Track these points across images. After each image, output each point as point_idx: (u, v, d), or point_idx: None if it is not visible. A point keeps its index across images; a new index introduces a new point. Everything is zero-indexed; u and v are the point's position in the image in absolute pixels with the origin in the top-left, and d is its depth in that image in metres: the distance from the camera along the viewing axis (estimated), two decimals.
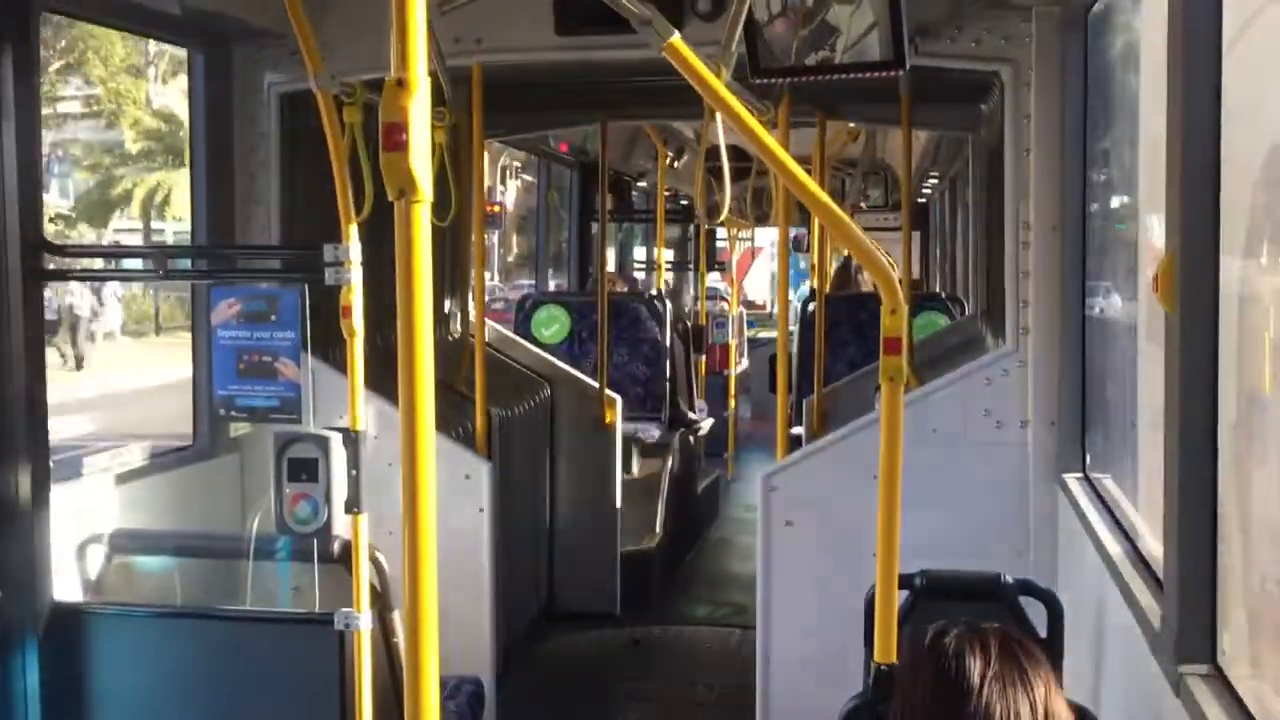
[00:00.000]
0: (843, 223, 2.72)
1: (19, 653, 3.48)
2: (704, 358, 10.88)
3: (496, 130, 6.55)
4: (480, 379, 5.05)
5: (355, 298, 3.30)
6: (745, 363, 12.25)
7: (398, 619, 3.59)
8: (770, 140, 2.54)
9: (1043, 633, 3.07)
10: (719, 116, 3.31)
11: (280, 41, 4.56)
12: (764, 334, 11.66)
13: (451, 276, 6.05)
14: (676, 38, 2.27)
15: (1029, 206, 4.30)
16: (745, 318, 12.68)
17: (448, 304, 6.11)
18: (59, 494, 3.67)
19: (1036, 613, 3.13)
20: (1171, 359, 2.38)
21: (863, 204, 11.96)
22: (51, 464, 3.64)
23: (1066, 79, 4.17)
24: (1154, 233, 3.16)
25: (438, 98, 4.69)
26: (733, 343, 11.25)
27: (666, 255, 14.39)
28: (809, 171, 6.77)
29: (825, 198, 2.51)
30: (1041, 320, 4.29)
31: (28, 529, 3.51)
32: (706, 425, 9.71)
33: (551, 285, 11.35)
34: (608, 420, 6.73)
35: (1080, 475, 4.15)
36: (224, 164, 4.70)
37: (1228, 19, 2.25)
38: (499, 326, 6.93)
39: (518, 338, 7.03)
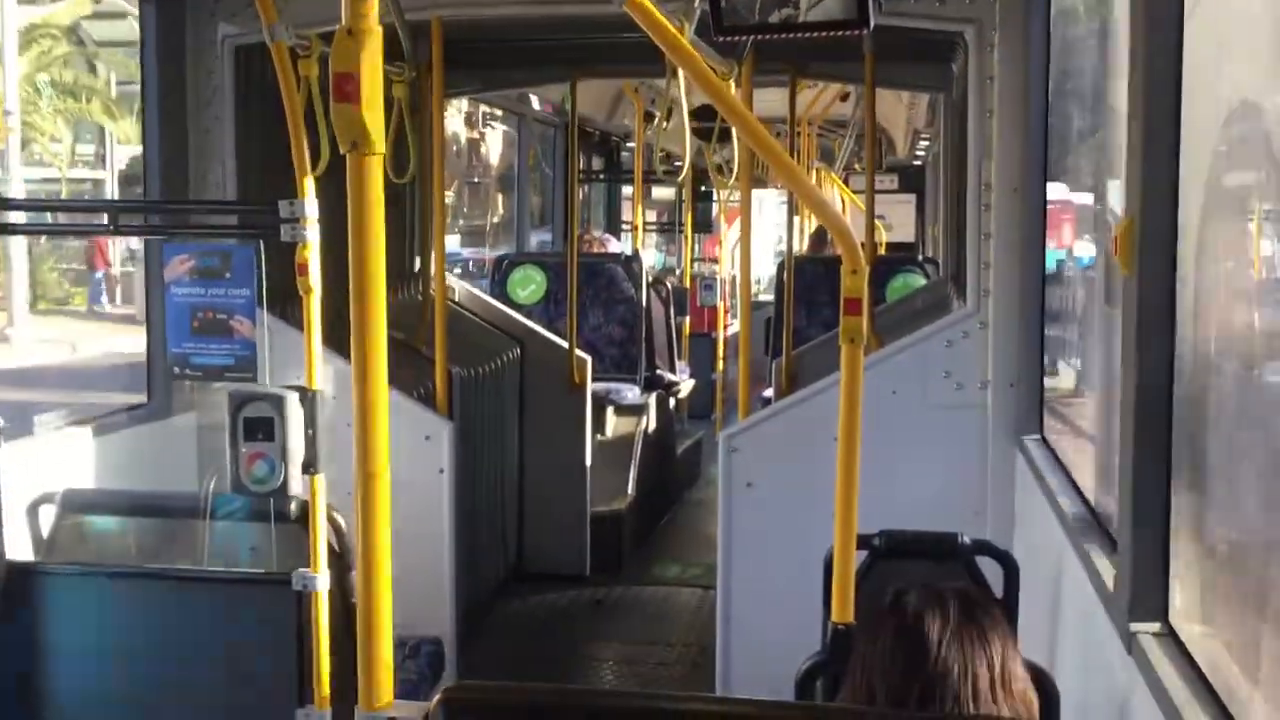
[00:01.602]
0: (804, 183, 2.71)
1: None
2: (688, 319, 10.81)
3: (461, 87, 6.46)
4: (440, 337, 5.01)
5: (311, 254, 3.26)
6: (736, 324, 12.18)
7: (355, 579, 3.57)
8: (733, 98, 2.51)
9: (999, 593, 3.10)
10: (681, 74, 3.29)
11: None
12: (763, 297, 11.56)
13: (420, 235, 5.98)
14: None
15: (991, 168, 4.30)
16: (735, 281, 12.60)
17: (416, 263, 6.04)
18: (9, 452, 3.60)
19: (993, 573, 3.16)
20: (1129, 321, 2.39)
21: (856, 166, 11.88)
22: (1, 422, 3.58)
23: (1030, 41, 4.16)
24: (1114, 197, 3.17)
25: (395, 52, 4.61)
26: (721, 305, 11.19)
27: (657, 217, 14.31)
28: (784, 133, 6.76)
29: (787, 158, 2.49)
30: (1002, 282, 4.31)
31: None
32: (687, 387, 9.69)
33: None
34: (578, 380, 6.71)
35: (1038, 437, 4.18)
36: (177, 118, 4.61)
37: None
38: (470, 287, 6.87)
39: (489, 298, 6.98)
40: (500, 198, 31.94)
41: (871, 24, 3.21)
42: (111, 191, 29.29)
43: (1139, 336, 2.34)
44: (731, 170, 10.14)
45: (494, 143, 31.41)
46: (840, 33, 3.28)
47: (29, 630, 3.45)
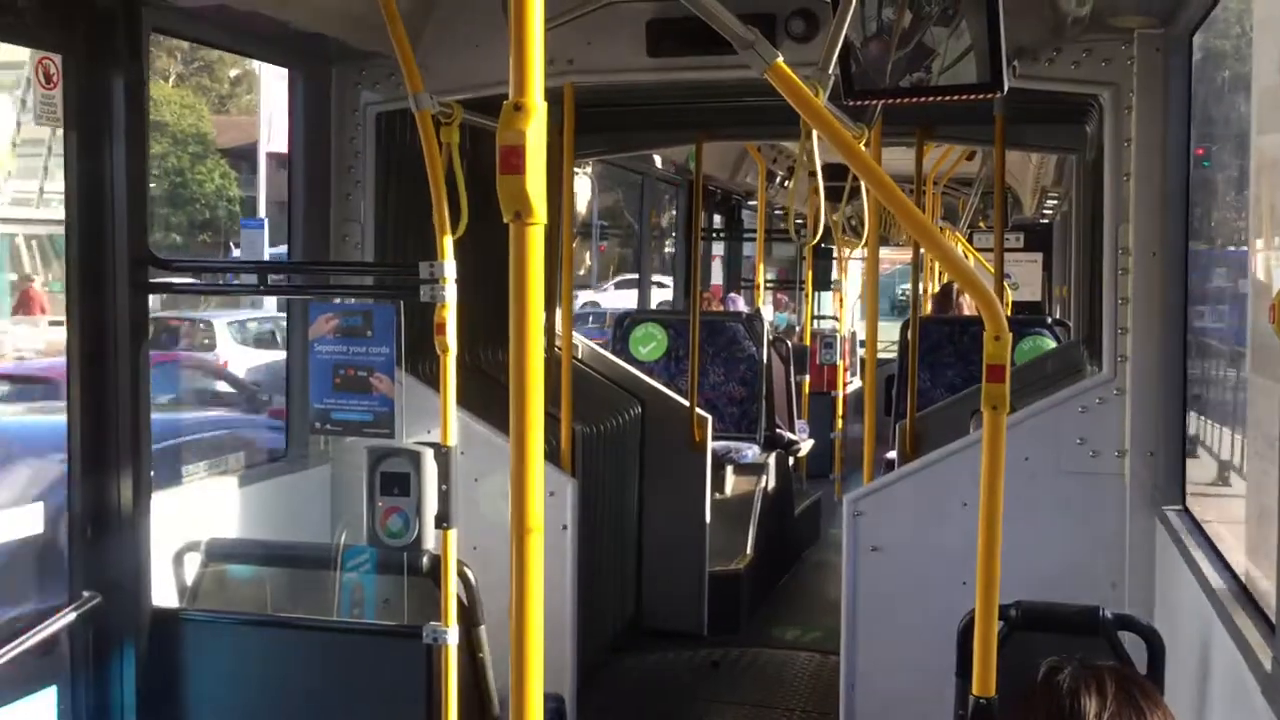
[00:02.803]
0: (939, 242, 2.69)
1: (118, 657, 3.57)
2: (807, 378, 10.75)
3: (589, 149, 6.59)
4: (566, 395, 5.07)
5: (449, 314, 3.34)
6: (856, 382, 12.05)
7: (483, 633, 3.61)
8: (868, 158, 2.52)
9: (1142, 670, 2.99)
10: (815, 136, 3.30)
11: (378, 62, 4.65)
12: (884, 355, 11.47)
13: (548, 293, 6.09)
14: (780, 60, 2.26)
15: (1129, 231, 4.21)
16: (856, 338, 12.51)
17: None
18: (158, 501, 3.76)
19: (1134, 649, 3.05)
20: None
21: (981, 224, 11.73)
22: (152, 472, 3.74)
23: (1169, 102, 4.09)
24: (1262, 261, 3.08)
25: None
26: (841, 363, 11.10)
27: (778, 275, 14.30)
28: (910, 191, 6.73)
29: (921, 216, 2.48)
30: (1140, 348, 4.20)
31: (129, 535, 3.60)
32: (807, 446, 9.60)
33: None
34: (698, 439, 6.71)
35: (1180, 508, 4.04)
36: (321, 182, 4.80)
37: None
38: (593, 344, 6.94)
39: (612, 355, 7.04)
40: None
41: (1005, 88, 3.20)
42: None
43: None
44: (855, 229, 10.09)
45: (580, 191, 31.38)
46: (972, 97, 3.27)
47: (172, 674, 3.57)
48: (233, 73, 35.01)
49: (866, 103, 3.80)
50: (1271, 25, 2.79)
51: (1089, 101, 4.60)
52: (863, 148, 4.25)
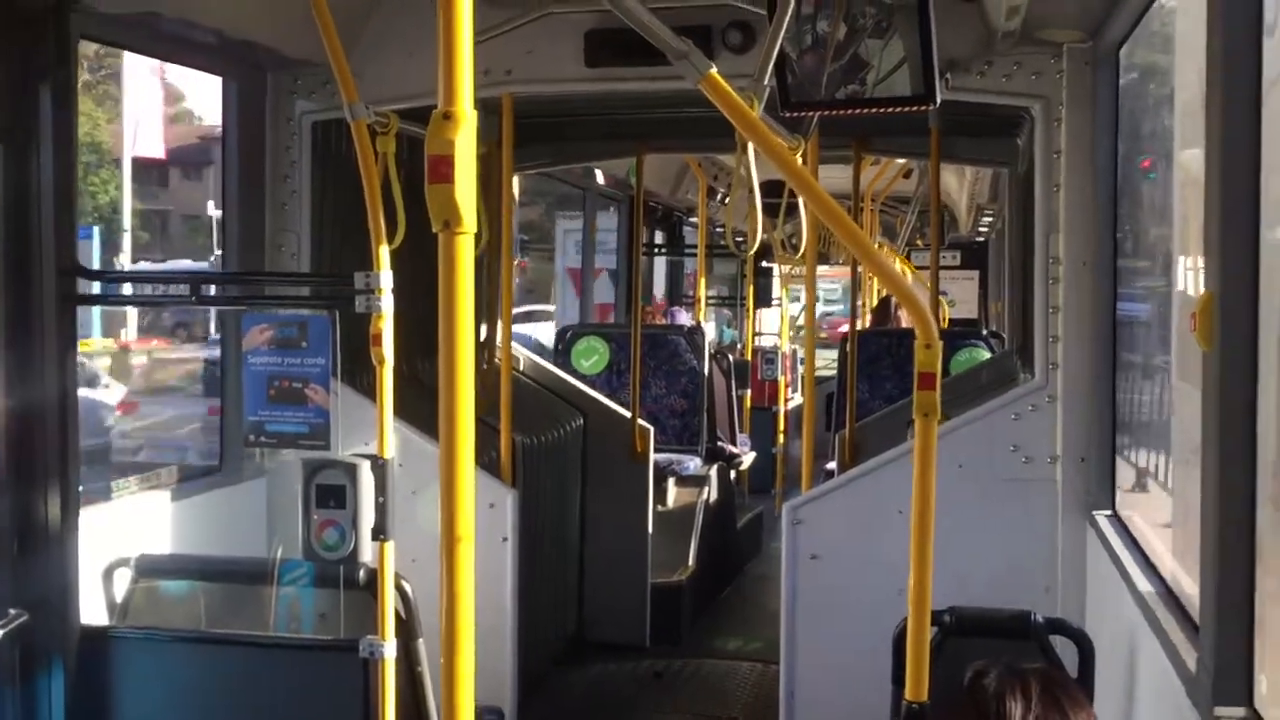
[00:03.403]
0: (875, 256, 2.72)
1: (46, 676, 3.49)
2: (748, 392, 10.79)
3: (529, 161, 6.58)
4: (505, 406, 5.05)
5: (386, 325, 3.32)
6: (797, 398, 12.11)
7: (422, 647, 3.58)
8: (804, 172, 2.55)
9: (1073, 672, 3.04)
10: (750, 149, 3.33)
11: (313, 70, 4.61)
12: (825, 372, 11.54)
13: (487, 306, 6.07)
14: (713, 71, 2.28)
15: (1059, 241, 4.29)
16: (797, 355, 12.57)
17: (483, 333, 6.13)
18: (86, 516, 3.68)
19: (1066, 651, 3.10)
20: (1210, 397, 2.36)
21: (918, 242, 11.86)
22: (80, 487, 3.66)
23: (1097, 115, 4.17)
24: (1186, 270, 3.15)
25: None
26: (782, 379, 11.17)
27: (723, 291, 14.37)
28: (848, 208, 6.82)
29: (858, 230, 2.51)
30: (1071, 356, 4.28)
31: (56, 552, 3.52)
32: (748, 459, 9.64)
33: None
34: (640, 450, 6.71)
35: (1110, 513, 4.12)
36: (256, 191, 4.75)
37: (1268, 57, 2.25)
38: (534, 356, 6.92)
39: (553, 367, 7.03)
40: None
41: (938, 100, 3.24)
42: None
43: (1221, 412, 2.31)
44: (794, 245, 10.17)
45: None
46: (906, 109, 3.32)
47: (102, 693, 3.50)
48: None
49: (803, 114, 3.84)
50: (1191, 42, 2.86)
51: (1020, 115, 4.69)
52: (799, 160, 4.30)
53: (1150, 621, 3.02)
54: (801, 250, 5.30)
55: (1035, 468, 4.36)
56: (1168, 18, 3.68)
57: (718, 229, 12.25)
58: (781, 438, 10.84)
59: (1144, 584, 3.23)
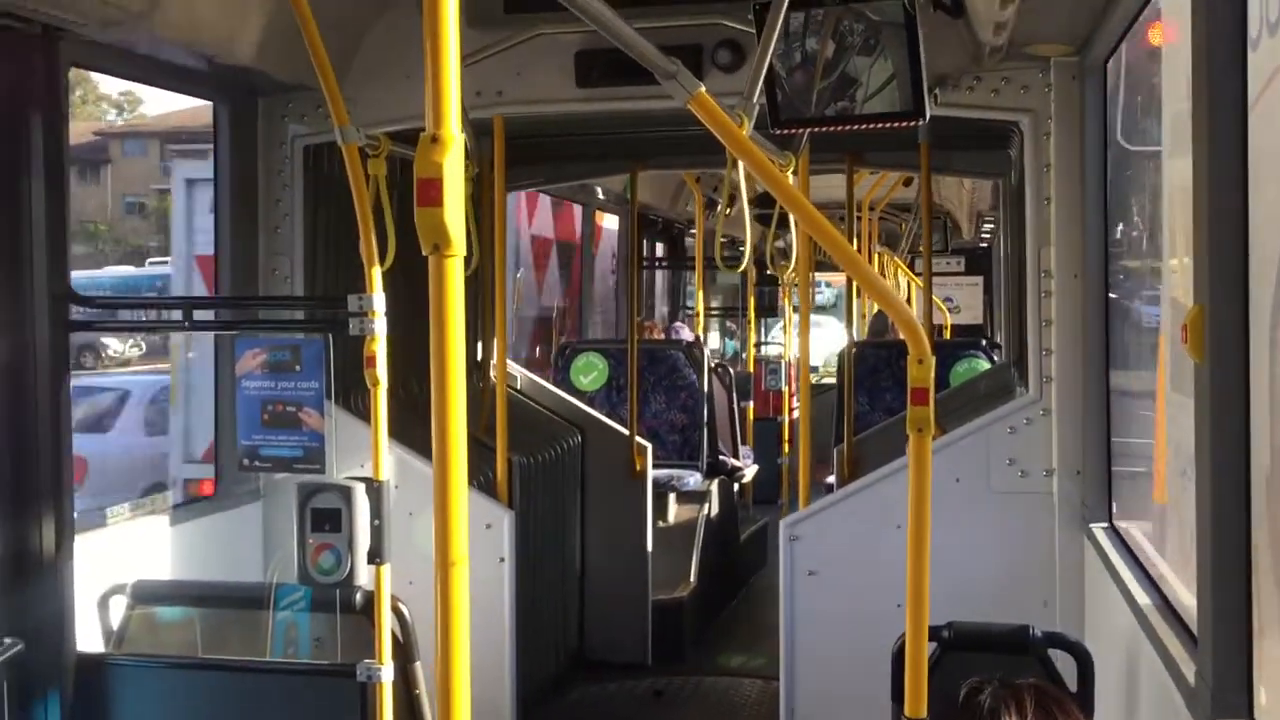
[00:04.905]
0: (863, 269, 2.72)
1: (42, 704, 3.47)
2: (751, 404, 10.73)
3: (524, 181, 6.60)
4: (501, 426, 5.04)
5: (379, 347, 3.32)
6: None
7: (419, 670, 3.57)
8: (792, 188, 2.55)
9: (1072, 686, 3.03)
10: (740, 165, 3.34)
11: (304, 95, 4.62)
12: (828, 380, 11.45)
13: (483, 326, 6.07)
14: (701, 90, 2.28)
15: (1050, 255, 4.30)
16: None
17: (479, 353, 6.13)
18: (82, 543, 3.67)
19: (1065, 665, 3.10)
20: (1202, 409, 2.36)
21: (920, 249, 11.83)
22: (75, 514, 3.65)
23: (1086, 128, 4.19)
24: (1175, 282, 3.15)
25: None
26: (785, 389, 11.12)
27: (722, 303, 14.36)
28: (842, 217, 6.84)
29: (845, 243, 2.51)
30: (1065, 369, 4.28)
31: (52, 579, 3.51)
32: (750, 472, 9.60)
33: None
34: (639, 467, 6.70)
35: (1106, 525, 4.11)
36: (248, 215, 4.75)
37: (1252, 70, 2.26)
38: (532, 375, 6.91)
39: (549, 385, 7.02)
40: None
41: (927, 115, 3.26)
42: None
43: (1213, 423, 2.31)
44: (791, 256, 10.14)
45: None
46: (895, 124, 3.33)
47: None
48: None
49: (793, 131, 3.85)
50: (1177, 53, 2.88)
51: (1011, 127, 4.70)
52: (790, 176, 4.31)
53: (1149, 634, 3.01)
54: (793, 264, 5.31)
55: (1031, 481, 4.36)
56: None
57: (723, 240, 12.25)
58: (786, 448, 10.81)
59: (1142, 596, 3.23)
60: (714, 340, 15.86)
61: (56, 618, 3.51)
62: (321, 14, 3.30)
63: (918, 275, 11.92)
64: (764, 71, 2.87)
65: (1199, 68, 2.34)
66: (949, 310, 12.44)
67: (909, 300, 12.62)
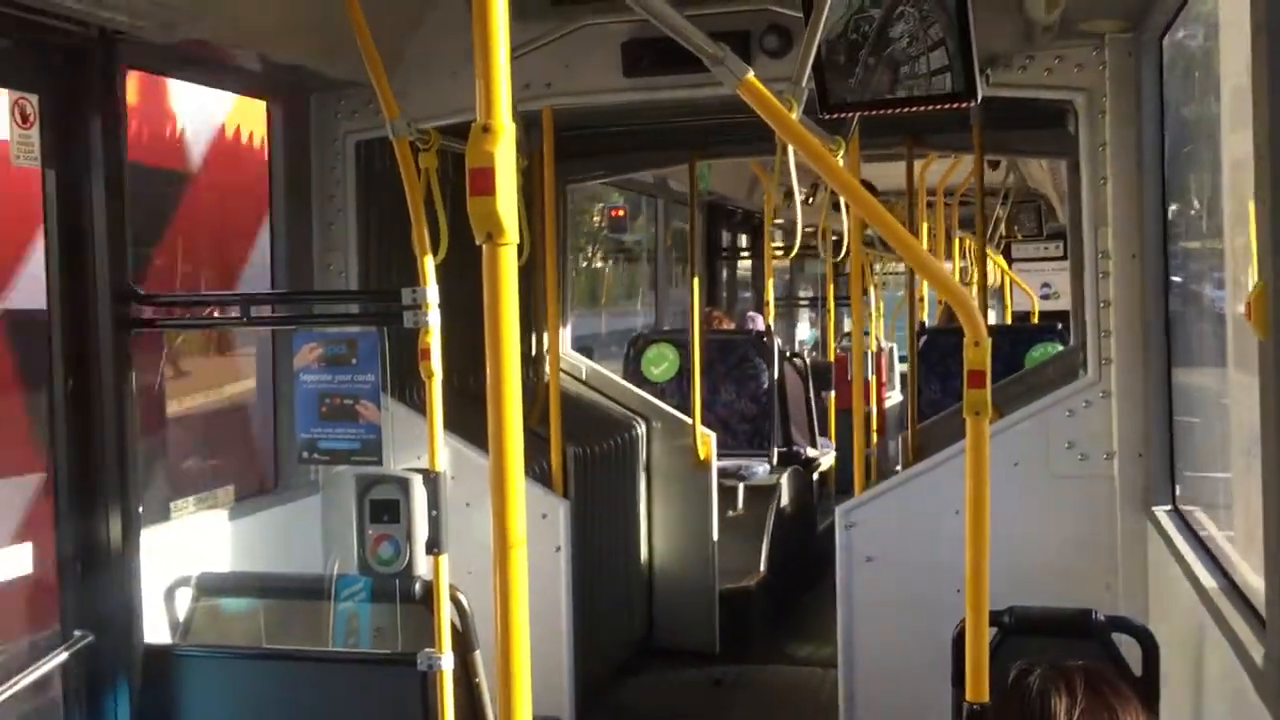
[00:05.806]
0: (919, 253, 2.70)
1: (112, 695, 3.55)
2: (832, 393, 10.58)
3: (582, 174, 6.61)
4: (555, 417, 5.06)
5: (434, 340, 3.34)
6: (895, 395, 11.81)
7: (479, 659, 3.60)
8: (843, 172, 2.54)
9: (1137, 671, 2.99)
10: (790, 151, 3.32)
11: (355, 91, 4.67)
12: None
13: (536, 318, 6.08)
14: (750, 75, 2.28)
15: (1108, 234, 4.23)
16: (895, 352, 12.31)
17: (534, 346, 6.15)
18: (147, 537, 3.74)
19: (1129, 651, 3.06)
20: (1267, 387, 2.32)
21: (1017, 233, 11.62)
22: (140, 508, 3.72)
23: (1142, 105, 4.12)
24: (1239, 258, 3.09)
25: None
26: (873, 378, 10.93)
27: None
28: (897, 203, 6.75)
29: (900, 228, 2.49)
30: (1123, 350, 4.21)
31: (119, 572, 3.58)
32: (827, 462, 9.50)
33: None
34: (703, 456, 6.69)
35: (1170, 508, 4.05)
36: (302, 211, 4.81)
37: None
38: (598, 366, 6.91)
39: (616, 376, 7.01)
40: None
41: (979, 96, 3.22)
42: None
43: (1279, 401, 2.26)
44: (871, 242, 10.05)
45: None
46: (947, 106, 3.29)
47: (167, 711, 3.55)
48: None
49: (843, 116, 3.82)
50: (1237, 26, 2.82)
51: (1067, 106, 4.63)
52: (840, 159, 4.28)
53: (1215, 617, 2.96)
54: (844, 250, 5.27)
55: (1092, 464, 4.30)
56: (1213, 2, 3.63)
57: (807, 229, 12.14)
58: (874, 437, 10.62)
59: (1207, 579, 3.18)
60: (803, 330, 15.73)
61: (124, 610, 3.59)
62: (371, 11, 3.33)
63: (1010, 262, 11.72)
64: (812, 55, 2.86)
65: (1258, 39, 2.29)
66: (1045, 297, 12.13)
67: (1000, 287, 12.39)
